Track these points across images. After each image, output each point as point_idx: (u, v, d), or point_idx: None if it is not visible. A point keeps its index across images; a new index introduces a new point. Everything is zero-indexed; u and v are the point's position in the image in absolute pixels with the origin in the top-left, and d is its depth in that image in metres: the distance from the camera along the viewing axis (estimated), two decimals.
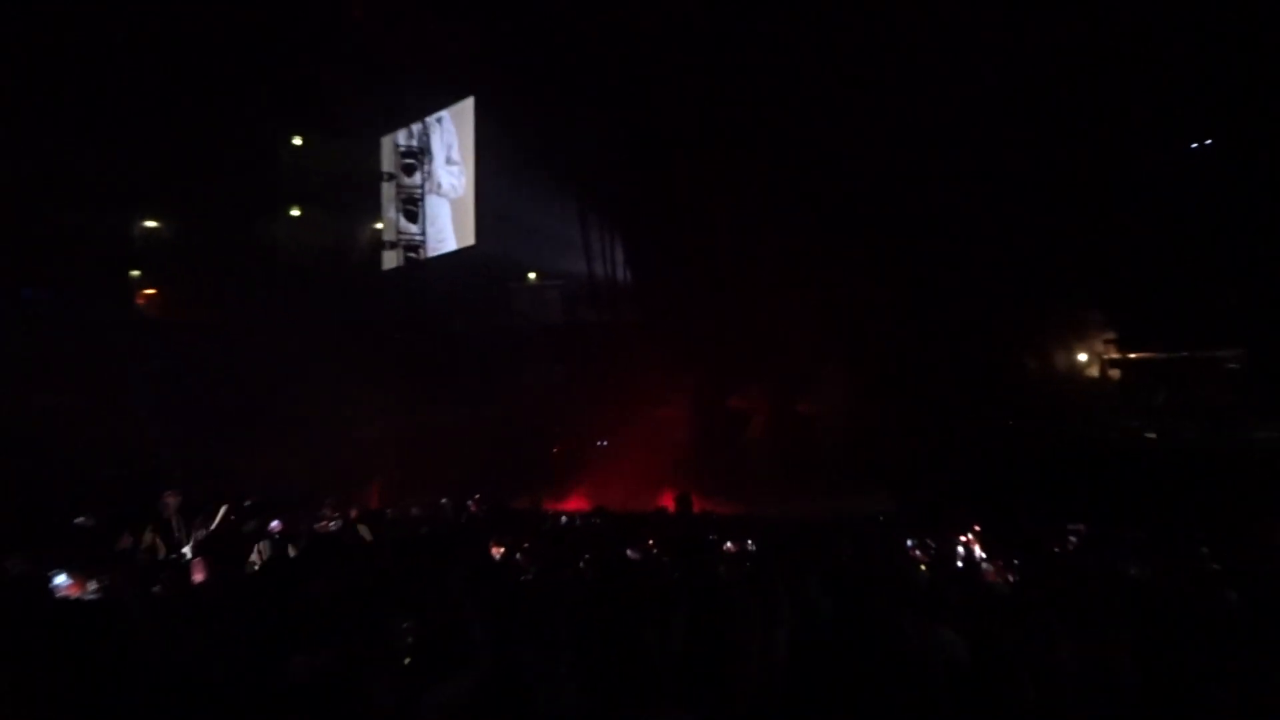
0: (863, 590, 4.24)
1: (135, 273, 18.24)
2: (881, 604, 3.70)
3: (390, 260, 19.62)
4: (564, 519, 11.38)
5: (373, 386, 17.14)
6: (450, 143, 19.33)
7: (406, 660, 3.78)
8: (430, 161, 19.25)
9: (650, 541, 8.27)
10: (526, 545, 7.88)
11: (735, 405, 16.71)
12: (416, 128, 19.39)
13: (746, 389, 16.71)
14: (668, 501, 12.83)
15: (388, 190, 19.78)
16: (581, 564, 6.62)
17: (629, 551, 7.66)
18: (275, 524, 9.71)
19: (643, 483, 15.05)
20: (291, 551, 7.21)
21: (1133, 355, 14.54)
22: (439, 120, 19.39)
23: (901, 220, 13.63)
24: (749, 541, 8.25)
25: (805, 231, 14.71)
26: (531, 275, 19.59)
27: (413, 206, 19.11)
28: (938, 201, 13.20)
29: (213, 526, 8.66)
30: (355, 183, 19.77)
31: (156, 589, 5.66)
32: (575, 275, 18.43)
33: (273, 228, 18.73)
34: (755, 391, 16.62)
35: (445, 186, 19.42)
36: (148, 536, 8.05)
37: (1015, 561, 6.76)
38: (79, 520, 8.93)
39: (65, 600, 5.13)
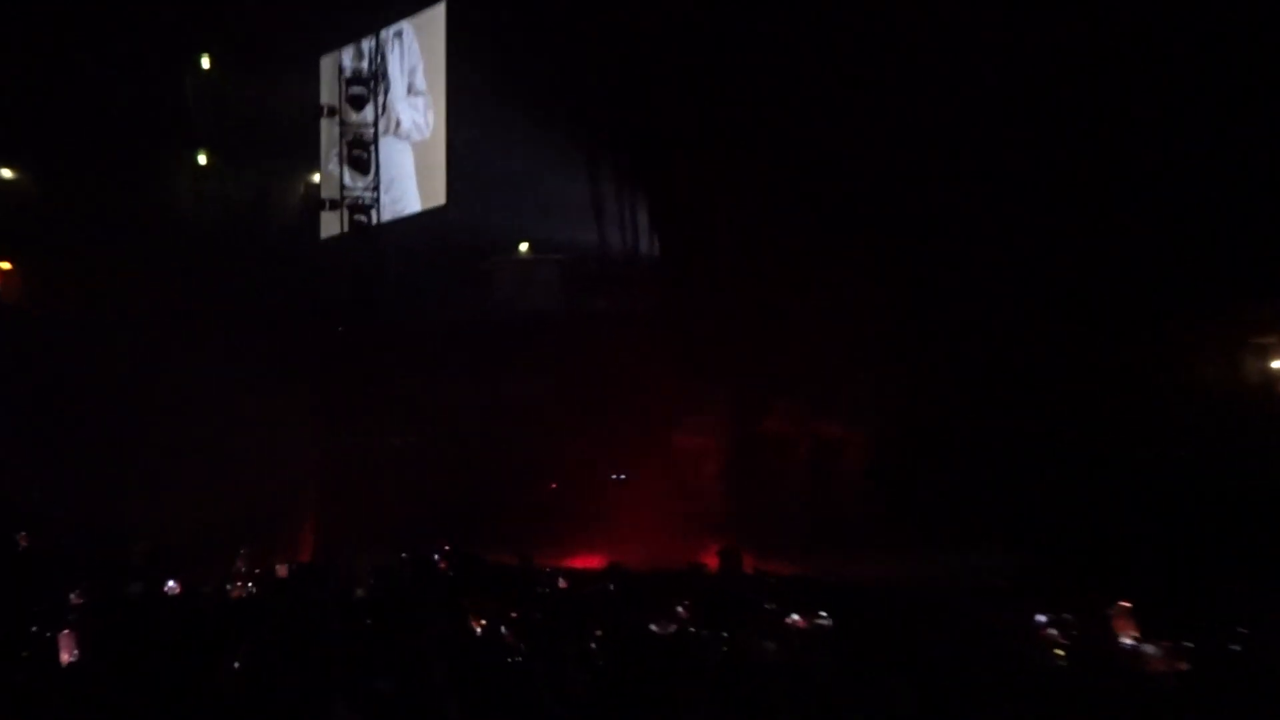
0: (965, 683, 4.19)
1: None
2: (991, 702, 3.69)
3: (330, 225, 19.88)
4: (565, 581, 11.77)
5: (306, 398, 17.59)
6: (413, 66, 19.57)
7: None
8: (386, 91, 19.52)
9: (683, 610, 8.50)
10: (515, 616, 8.08)
11: (773, 429, 17.13)
12: (367, 45, 19.61)
13: (792, 406, 17.20)
14: (708, 558, 13.19)
15: (328, 130, 20.04)
16: (591, 641, 6.77)
17: (654, 625, 7.82)
18: (172, 585, 10.15)
19: (673, 531, 15.39)
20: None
21: None
22: (398, 35, 19.65)
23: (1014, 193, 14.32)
24: (822, 613, 8.40)
25: (879, 203, 15.36)
26: (523, 247, 20.02)
27: (362, 152, 19.37)
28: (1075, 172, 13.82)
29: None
30: (283, 120, 20.08)
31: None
32: (582, 248, 18.66)
33: (171, 182, 19.12)
34: (803, 410, 17.14)
35: (406, 125, 19.66)
36: None
37: (1188, 645, 6.73)
38: None
39: None
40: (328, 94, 20.01)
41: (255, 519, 14.82)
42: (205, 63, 19.73)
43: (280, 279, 18.89)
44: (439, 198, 19.09)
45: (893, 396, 16.12)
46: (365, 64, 19.48)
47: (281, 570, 12.30)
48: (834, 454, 17.13)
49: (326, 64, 20.22)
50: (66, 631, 6.88)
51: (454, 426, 18.14)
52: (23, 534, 9.51)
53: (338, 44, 19.82)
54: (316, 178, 20.45)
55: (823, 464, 17.22)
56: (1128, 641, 7.76)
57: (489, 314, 19.49)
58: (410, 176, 19.68)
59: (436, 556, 13.02)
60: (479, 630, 7.74)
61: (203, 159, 19.67)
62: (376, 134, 19.44)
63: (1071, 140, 13.70)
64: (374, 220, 19.43)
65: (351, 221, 19.41)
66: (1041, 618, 8.48)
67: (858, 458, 16.63)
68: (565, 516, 16.90)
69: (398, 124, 19.71)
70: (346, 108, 19.54)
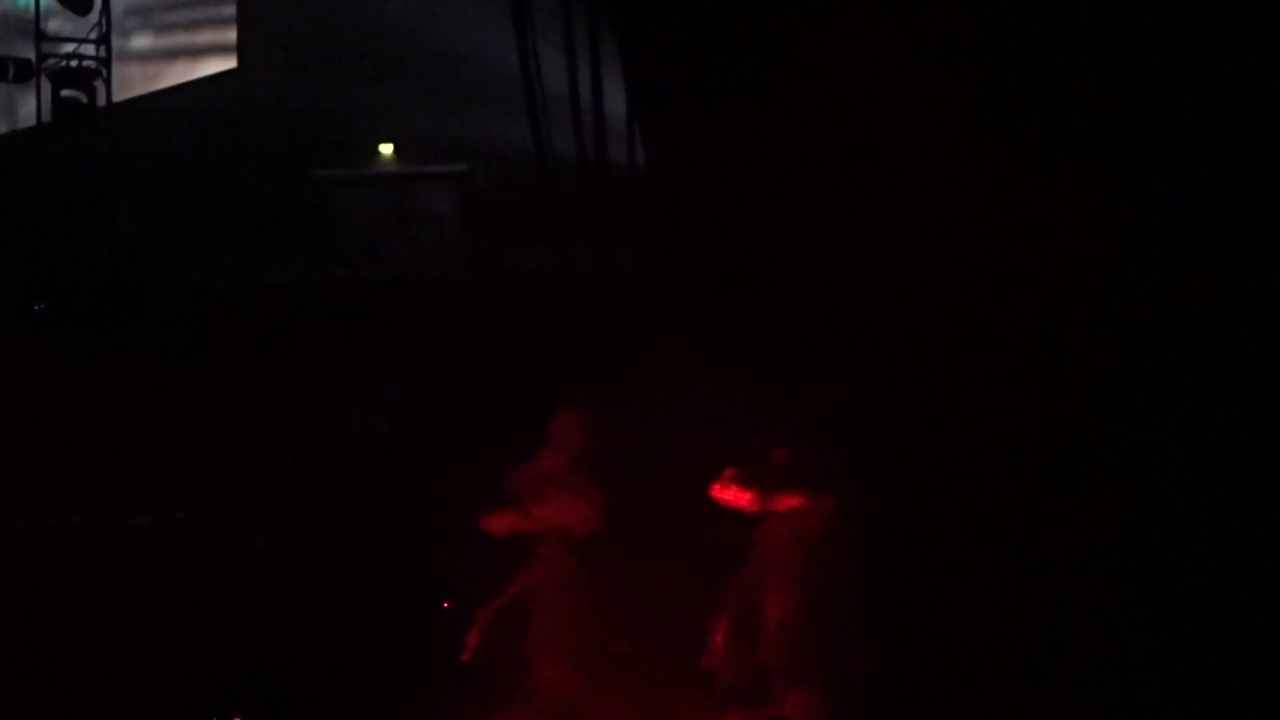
0: None
1: None
2: None
3: (19, 105, 18.14)
4: None
5: None
6: None
7: None
8: None
9: None
10: None
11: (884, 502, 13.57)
12: None
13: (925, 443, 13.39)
14: None
15: None
16: None
17: None
18: None
19: (684, 690, 12.12)
20: None
21: None
22: None
23: None
24: None
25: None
26: (385, 149, 18.17)
27: None
28: None
29: None
30: None
31: None
32: (501, 152, 16.80)
33: None
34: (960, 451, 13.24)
35: None
36: None
37: None
38: None
39: None
40: None
41: None
42: None
43: None
44: (225, 58, 17.79)
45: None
46: None
47: None
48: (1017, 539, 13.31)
49: None
50: None
51: (259, 489, 15.60)
52: None
53: None
54: None
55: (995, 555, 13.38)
56: None
57: (323, 276, 17.59)
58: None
59: None
60: None
61: None
62: None
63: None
64: (101, 99, 17.46)
65: (58, 101, 17.28)
66: None
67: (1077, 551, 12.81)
68: (476, 666, 13.05)
69: None
70: None
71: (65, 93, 17.26)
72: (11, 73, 17.62)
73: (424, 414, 16.29)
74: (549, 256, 17.34)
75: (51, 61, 17.38)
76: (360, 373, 16.68)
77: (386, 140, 18.29)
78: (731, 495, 14.50)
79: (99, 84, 17.40)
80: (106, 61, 17.41)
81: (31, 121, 17.64)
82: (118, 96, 18.10)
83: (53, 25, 17.49)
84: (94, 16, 17.32)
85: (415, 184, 18.21)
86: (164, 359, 16.57)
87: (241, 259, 17.43)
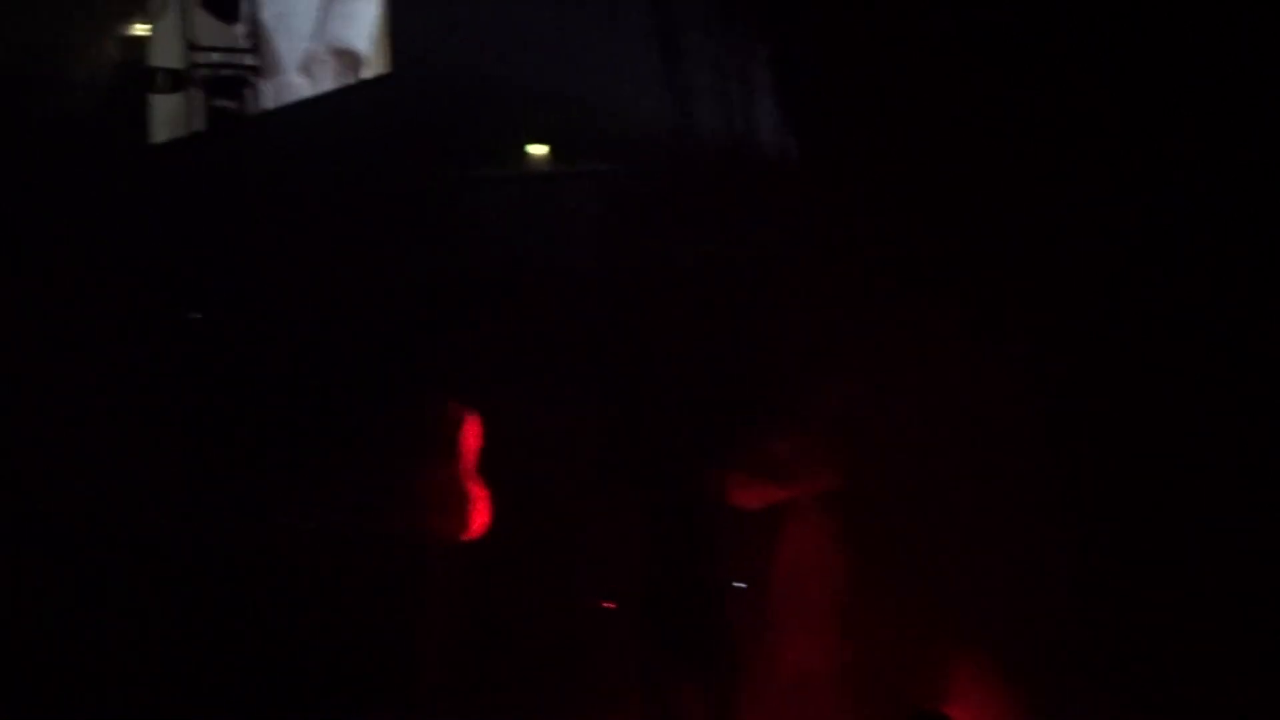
0: None
1: None
2: None
3: (169, 118, 18.14)
4: None
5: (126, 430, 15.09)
6: None
7: None
8: None
9: None
10: None
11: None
12: None
13: None
14: None
15: None
16: None
17: None
18: None
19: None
20: None
21: None
22: None
23: None
24: None
25: None
26: (534, 150, 18.21)
27: None
28: None
29: None
30: None
31: None
32: (642, 151, 16.55)
33: None
34: None
35: None
36: None
37: None
38: None
39: None
40: None
41: None
42: None
43: (78, 219, 16.61)
44: (380, 64, 18.02)
45: None
46: None
47: None
48: None
49: None
50: None
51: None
52: None
53: None
54: (144, 30, 18.78)
55: None
56: None
57: (470, 273, 17.23)
58: (324, 16, 18.51)
59: None
60: None
61: None
62: None
63: None
64: (250, 107, 17.40)
65: (211, 111, 17.22)
66: None
67: None
68: None
69: None
70: None
71: (218, 103, 17.12)
72: (160, 83, 17.55)
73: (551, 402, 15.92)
74: (695, 254, 16.58)
75: (207, 67, 17.19)
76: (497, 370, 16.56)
77: (534, 141, 18.05)
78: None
79: (250, 90, 17.25)
80: (256, 67, 17.39)
81: (179, 131, 17.61)
82: (275, 101, 17.82)
83: (202, 27, 17.21)
84: (251, 19, 17.34)
85: (558, 188, 17.96)
86: (310, 360, 16.52)
87: (386, 261, 17.03)
